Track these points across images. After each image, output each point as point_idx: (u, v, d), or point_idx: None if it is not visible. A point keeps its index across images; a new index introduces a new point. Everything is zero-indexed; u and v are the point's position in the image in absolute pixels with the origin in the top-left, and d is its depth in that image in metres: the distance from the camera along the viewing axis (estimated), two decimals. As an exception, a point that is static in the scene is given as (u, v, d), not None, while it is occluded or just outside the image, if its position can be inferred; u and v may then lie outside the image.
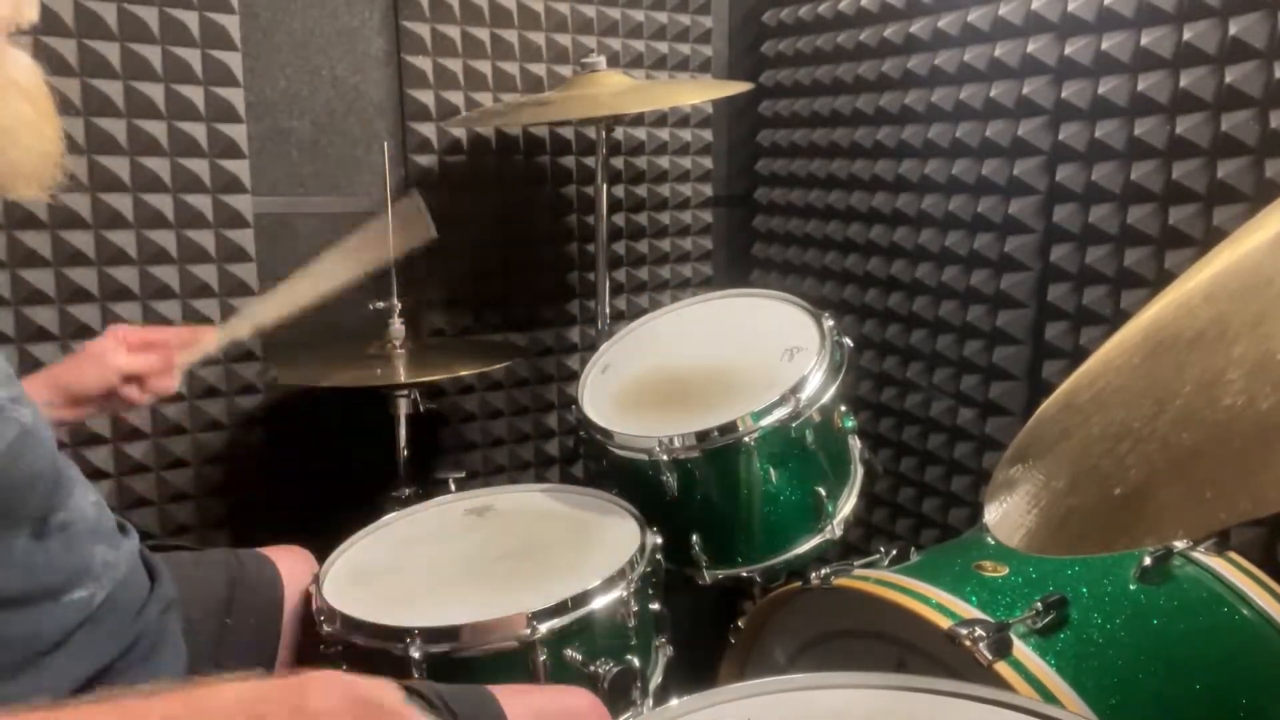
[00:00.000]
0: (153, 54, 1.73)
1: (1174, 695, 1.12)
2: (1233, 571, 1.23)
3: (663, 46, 2.33)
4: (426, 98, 2.04)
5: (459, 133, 2.09)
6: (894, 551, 1.38)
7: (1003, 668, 1.05)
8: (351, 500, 1.66)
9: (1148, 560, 1.22)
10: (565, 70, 2.18)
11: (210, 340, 1.25)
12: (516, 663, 1.14)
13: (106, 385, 1.17)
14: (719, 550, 1.50)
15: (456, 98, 2.07)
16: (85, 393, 1.15)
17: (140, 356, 1.18)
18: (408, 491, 1.73)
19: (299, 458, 1.97)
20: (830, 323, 1.54)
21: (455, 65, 2.06)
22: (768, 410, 1.41)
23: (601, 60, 1.84)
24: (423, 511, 1.52)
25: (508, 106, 2.08)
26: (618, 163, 2.30)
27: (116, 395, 1.18)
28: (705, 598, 1.61)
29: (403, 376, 1.69)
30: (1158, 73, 1.52)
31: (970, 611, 1.13)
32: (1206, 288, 0.69)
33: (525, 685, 1.12)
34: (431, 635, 1.12)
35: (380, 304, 1.78)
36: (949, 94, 1.87)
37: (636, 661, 1.20)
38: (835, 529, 1.49)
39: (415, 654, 1.11)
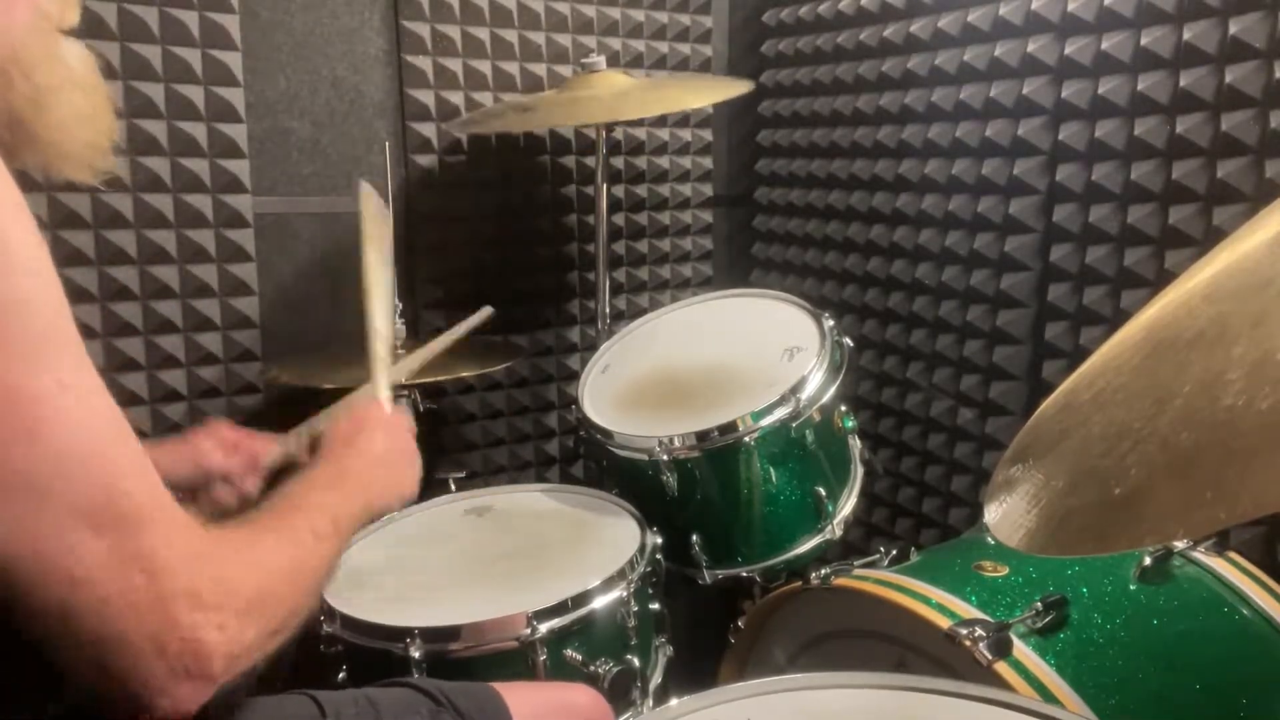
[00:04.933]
0: (153, 54, 1.73)
1: (1174, 695, 1.12)
2: (1233, 571, 1.23)
3: (663, 46, 2.33)
4: (426, 98, 2.04)
5: (459, 133, 2.09)
6: (894, 551, 1.38)
7: (1003, 668, 1.05)
8: (351, 500, 1.65)
9: (1148, 560, 1.22)
10: (565, 70, 2.18)
11: (277, 449, 1.25)
12: (516, 662, 1.14)
13: (196, 484, 1.18)
14: (719, 550, 1.50)
15: (456, 98, 2.07)
16: (173, 484, 1.16)
17: (234, 458, 1.19)
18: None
19: (299, 458, 1.97)
20: (830, 323, 1.54)
21: (455, 65, 2.06)
22: (768, 410, 1.41)
23: (601, 60, 1.84)
24: (422, 511, 1.52)
25: (509, 108, 2.08)
26: (618, 163, 2.30)
27: (205, 494, 1.19)
28: (705, 598, 1.60)
29: (403, 377, 1.69)
30: (1158, 73, 1.52)
31: (970, 611, 1.13)
32: (1206, 288, 0.69)
33: (528, 682, 1.12)
34: (431, 635, 1.13)
35: (380, 304, 1.78)
36: (949, 94, 1.87)
37: (636, 661, 1.20)
38: (835, 529, 1.49)
39: (415, 654, 1.11)
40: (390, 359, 1.26)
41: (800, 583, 1.33)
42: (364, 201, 1.31)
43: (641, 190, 2.36)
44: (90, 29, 1.67)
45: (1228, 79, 1.42)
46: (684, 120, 2.39)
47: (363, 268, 1.28)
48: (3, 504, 0.60)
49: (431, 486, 1.66)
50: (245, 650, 0.68)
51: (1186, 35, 1.46)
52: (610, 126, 1.92)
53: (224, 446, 1.19)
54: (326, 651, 1.18)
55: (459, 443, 2.20)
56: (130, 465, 0.65)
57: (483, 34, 2.08)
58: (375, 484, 0.99)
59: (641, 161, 2.35)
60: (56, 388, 0.62)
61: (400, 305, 1.79)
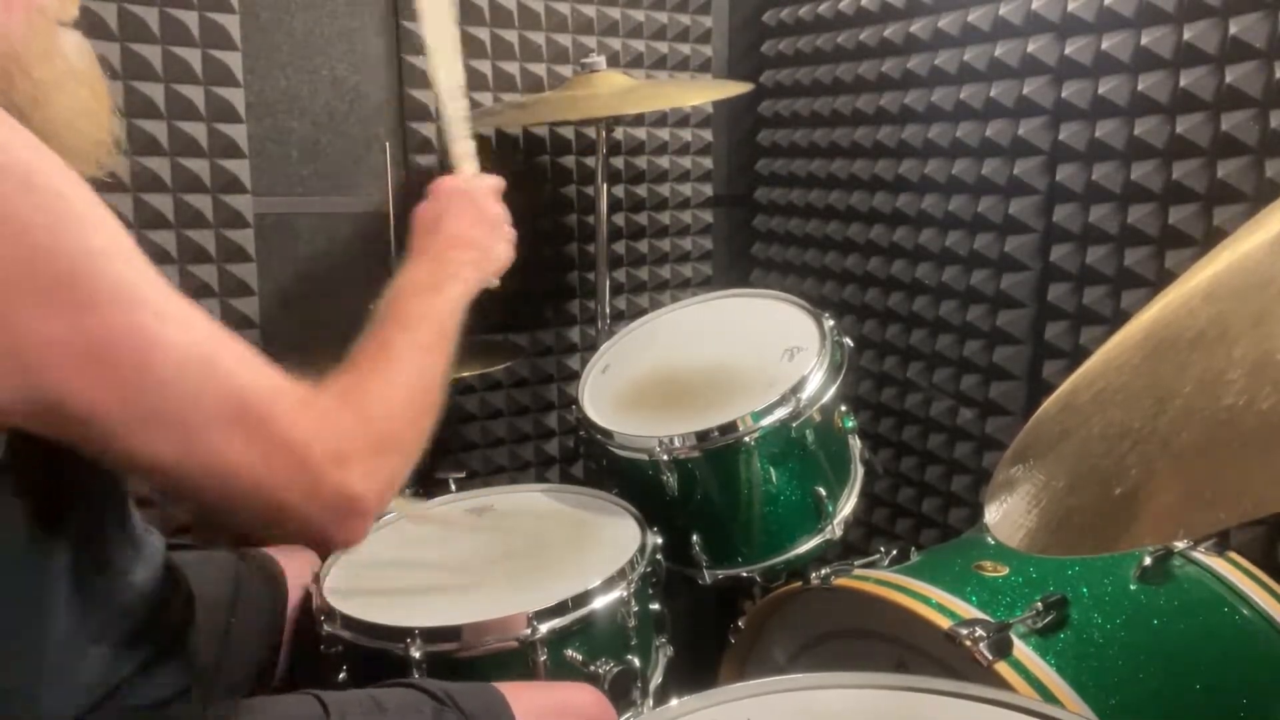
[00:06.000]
0: (153, 54, 1.73)
1: (1174, 695, 1.12)
2: (1233, 571, 1.23)
3: (663, 46, 2.33)
4: (426, 98, 2.04)
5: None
6: (894, 551, 1.38)
7: (1003, 668, 1.05)
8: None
9: (1148, 560, 1.22)
10: (565, 70, 2.18)
11: None
12: (517, 663, 1.14)
13: None
14: (719, 550, 1.50)
15: (456, 98, 2.07)
16: None
17: None
18: (408, 491, 1.73)
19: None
20: (830, 323, 1.54)
21: (455, 65, 2.06)
22: (768, 410, 1.41)
23: (601, 60, 1.83)
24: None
25: (507, 106, 2.08)
26: (618, 163, 2.30)
27: None
28: (705, 598, 1.60)
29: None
30: (1158, 73, 1.52)
31: (970, 611, 1.13)
32: (1206, 288, 0.69)
33: (530, 682, 1.12)
34: (431, 635, 1.12)
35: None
36: (949, 94, 1.87)
37: (636, 661, 1.20)
38: (835, 529, 1.49)
39: (415, 654, 1.11)
40: (467, 117, 1.19)
41: (800, 583, 1.33)
42: None
43: (641, 190, 2.36)
44: (90, 29, 1.66)
45: (1228, 79, 1.42)
46: (684, 120, 2.39)
47: (422, 22, 1.17)
48: (148, 428, 0.67)
49: (431, 486, 1.67)
50: (390, 480, 0.78)
51: (1186, 35, 1.46)
52: (610, 126, 1.92)
53: None
54: (327, 651, 1.18)
55: (459, 443, 2.20)
56: (241, 364, 0.73)
57: (483, 34, 2.08)
58: (468, 266, 1.03)
59: (641, 161, 2.35)
60: (155, 320, 0.67)
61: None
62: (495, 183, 1.16)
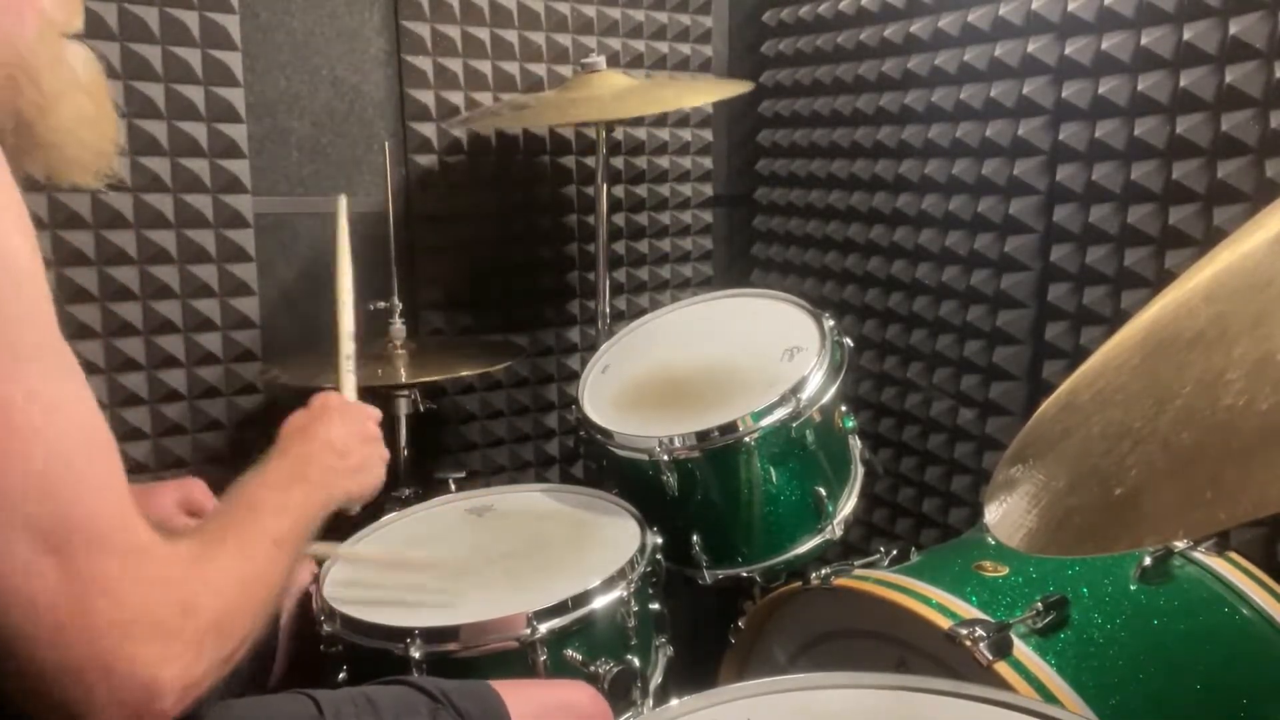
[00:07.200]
0: (153, 54, 1.73)
1: (1174, 695, 1.12)
2: (1233, 571, 1.23)
3: (663, 46, 2.33)
4: (426, 98, 2.04)
5: (459, 132, 2.09)
6: (894, 551, 1.38)
7: (1003, 668, 1.05)
8: (351, 500, 1.65)
9: (1148, 560, 1.22)
10: (565, 70, 2.18)
11: None
12: (517, 662, 1.14)
13: None
14: (719, 550, 1.50)
15: (456, 98, 2.07)
16: None
17: (188, 520, 1.16)
18: (408, 491, 1.73)
19: (299, 458, 1.97)
20: (830, 323, 1.54)
21: (455, 65, 2.06)
22: (768, 410, 1.41)
23: (601, 60, 1.83)
24: (423, 511, 1.52)
25: (507, 106, 2.08)
26: (618, 163, 2.30)
27: None
28: (705, 598, 1.60)
29: (403, 376, 1.69)
30: (1158, 73, 1.52)
31: (970, 611, 1.13)
32: (1206, 288, 0.69)
33: (526, 680, 1.12)
34: (431, 635, 1.12)
35: (380, 304, 1.78)
36: (949, 94, 1.87)
37: (636, 661, 1.20)
38: (835, 529, 1.49)
39: (415, 654, 1.11)
40: (357, 359, 1.25)
41: (800, 583, 1.33)
42: (340, 213, 1.35)
43: (641, 190, 2.36)
44: (90, 29, 1.66)
45: (1228, 79, 1.42)
46: (684, 120, 2.39)
47: (336, 274, 1.28)
48: None
49: (431, 486, 1.67)
50: (198, 682, 0.66)
51: (1186, 35, 1.46)
52: (610, 126, 1.92)
53: (188, 508, 1.17)
54: (327, 651, 1.18)
55: (459, 443, 2.20)
56: (97, 483, 0.62)
57: (483, 34, 2.08)
58: (334, 474, 0.96)
59: (641, 161, 2.35)
60: (23, 398, 0.59)
61: (400, 305, 1.79)
62: (375, 412, 1.10)
